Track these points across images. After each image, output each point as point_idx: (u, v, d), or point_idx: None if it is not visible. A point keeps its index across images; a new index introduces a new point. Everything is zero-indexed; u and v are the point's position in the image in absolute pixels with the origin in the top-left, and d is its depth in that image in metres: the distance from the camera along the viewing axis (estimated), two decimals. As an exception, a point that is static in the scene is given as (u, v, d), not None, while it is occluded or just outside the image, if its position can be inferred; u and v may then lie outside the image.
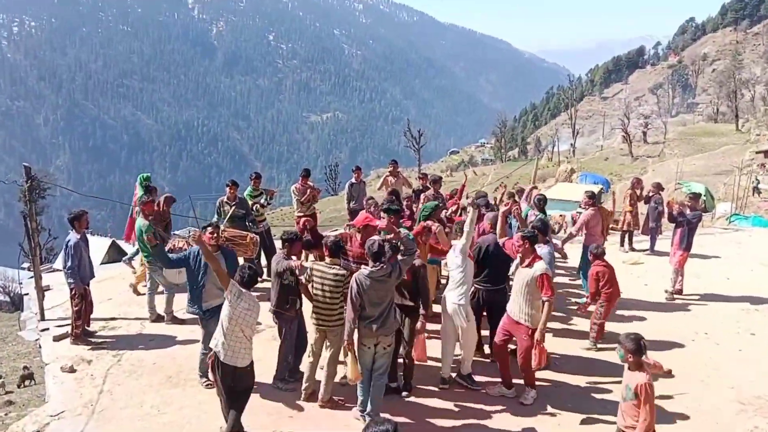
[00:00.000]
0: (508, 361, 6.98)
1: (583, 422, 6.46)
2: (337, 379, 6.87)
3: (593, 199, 10.31)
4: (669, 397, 6.99)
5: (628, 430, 5.04)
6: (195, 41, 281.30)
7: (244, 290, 5.63)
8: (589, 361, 7.96)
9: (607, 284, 8.15)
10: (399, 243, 6.59)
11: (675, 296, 10.29)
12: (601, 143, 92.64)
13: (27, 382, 17.63)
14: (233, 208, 9.85)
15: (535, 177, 21.03)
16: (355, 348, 6.14)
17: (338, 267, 6.41)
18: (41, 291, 9.48)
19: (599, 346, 8.22)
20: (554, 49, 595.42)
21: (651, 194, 13.36)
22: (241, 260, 9.98)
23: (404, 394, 6.96)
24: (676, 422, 6.47)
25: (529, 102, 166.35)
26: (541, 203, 9.86)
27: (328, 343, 6.65)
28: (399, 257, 6.29)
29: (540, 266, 6.51)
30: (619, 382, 5.37)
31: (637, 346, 4.92)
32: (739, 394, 7.07)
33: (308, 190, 11.09)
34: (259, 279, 9.45)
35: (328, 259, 6.47)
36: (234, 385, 5.70)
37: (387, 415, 5.68)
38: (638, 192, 13.68)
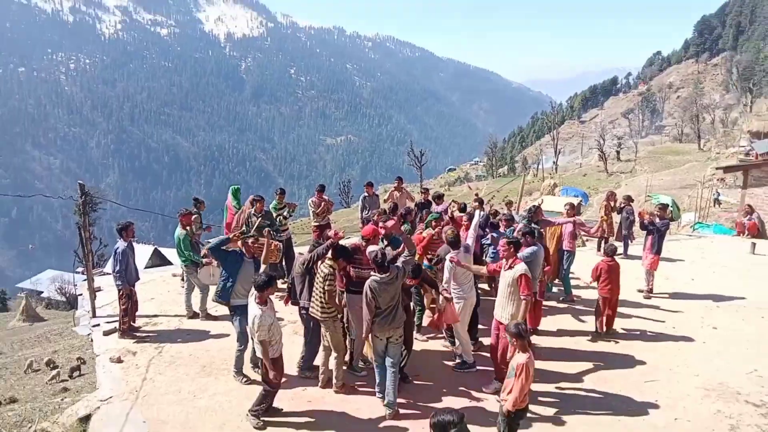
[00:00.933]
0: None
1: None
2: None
3: (575, 210, 10.31)
4: (641, 383, 6.94)
5: (503, 402, 5.17)
6: (226, 75, 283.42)
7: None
8: (571, 352, 7.90)
9: (605, 280, 8.21)
10: (400, 239, 6.64)
11: (650, 295, 10.22)
12: (580, 161, 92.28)
13: (76, 373, 17.66)
14: (260, 219, 9.88)
15: (522, 191, 20.92)
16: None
17: (328, 266, 6.41)
18: (93, 292, 9.49)
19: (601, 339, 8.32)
20: (539, 79, 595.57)
21: (623, 205, 13.35)
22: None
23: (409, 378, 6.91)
24: (649, 408, 6.40)
25: (516, 126, 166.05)
26: (531, 214, 9.74)
27: (328, 335, 6.60)
28: (401, 260, 6.31)
29: (520, 267, 6.39)
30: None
31: (518, 332, 5.01)
32: (704, 381, 6.98)
33: (323, 203, 11.11)
34: (281, 281, 9.52)
35: (328, 261, 6.47)
36: None
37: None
38: (612, 203, 13.64)
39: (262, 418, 6.02)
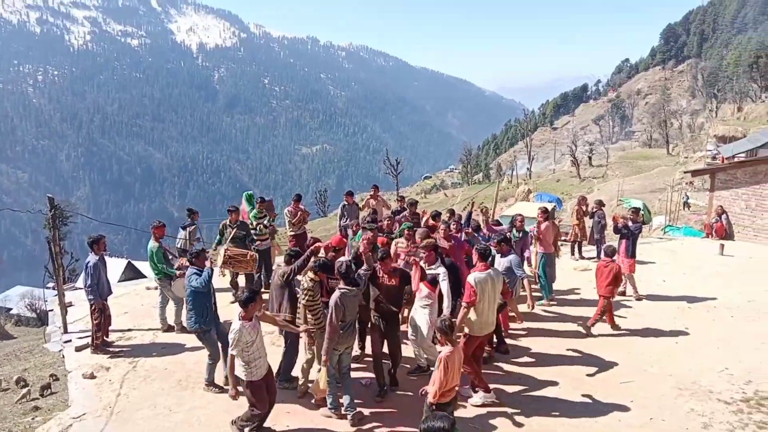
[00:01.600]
0: (477, 369, 6.67)
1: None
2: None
3: (547, 213, 10.44)
4: (617, 384, 7.04)
5: (423, 393, 5.23)
6: (199, 86, 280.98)
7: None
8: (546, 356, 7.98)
9: (605, 279, 8.56)
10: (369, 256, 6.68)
11: (641, 296, 10.37)
12: (553, 167, 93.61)
13: (47, 391, 17.13)
14: (234, 230, 9.81)
15: (497, 197, 21.12)
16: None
17: (309, 280, 6.40)
18: (64, 307, 9.29)
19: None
20: (511, 87, 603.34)
21: (595, 210, 13.56)
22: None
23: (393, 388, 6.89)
24: (625, 407, 6.49)
25: (490, 133, 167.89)
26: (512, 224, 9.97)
27: (315, 348, 6.61)
28: (361, 271, 6.35)
29: (470, 276, 6.43)
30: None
31: (441, 327, 5.16)
32: (677, 381, 7.11)
33: (299, 213, 11.08)
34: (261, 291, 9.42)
35: (310, 274, 6.48)
36: None
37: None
38: (584, 208, 13.84)
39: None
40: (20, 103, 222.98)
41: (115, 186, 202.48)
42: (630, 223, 10.37)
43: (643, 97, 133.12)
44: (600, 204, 13.80)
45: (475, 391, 6.64)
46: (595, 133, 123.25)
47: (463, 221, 9.57)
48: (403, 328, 8.46)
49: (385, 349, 6.89)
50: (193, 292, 6.77)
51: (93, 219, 18.77)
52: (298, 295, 6.61)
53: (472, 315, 6.37)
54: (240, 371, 5.65)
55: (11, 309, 57.31)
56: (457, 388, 5.21)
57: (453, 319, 5.55)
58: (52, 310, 10.45)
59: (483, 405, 6.52)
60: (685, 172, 38.19)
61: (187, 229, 10.51)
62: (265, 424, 6.03)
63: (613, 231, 10.26)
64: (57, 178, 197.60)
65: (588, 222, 13.91)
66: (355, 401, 6.30)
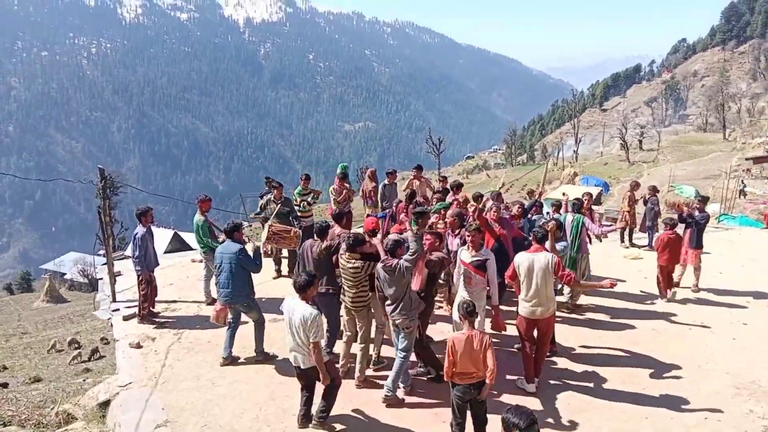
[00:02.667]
0: (529, 354, 6.54)
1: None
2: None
3: (591, 200, 10.16)
4: (670, 381, 6.73)
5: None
6: (245, 61, 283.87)
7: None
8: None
9: (665, 250, 9.12)
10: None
11: (699, 288, 9.90)
12: (601, 150, 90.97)
13: (96, 354, 17.77)
14: (279, 205, 9.80)
15: (544, 180, 20.54)
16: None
17: (354, 260, 6.30)
18: (113, 276, 9.50)
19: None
20: (560, 66, 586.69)
21: (648, 196, 13.01)
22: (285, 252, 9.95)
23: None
24: (678, 405, 6.20)
25: (536, 113, 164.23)
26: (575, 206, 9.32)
27: (360, 324, 6.54)
28: (405, 257, 6.13)
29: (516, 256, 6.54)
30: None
31: (463, 310, 5.17)
32: (734, 379, 6.75)
33: (344, 191, 10.95)
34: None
35: (347, 254, 6.36)
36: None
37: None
38: (636, 193, 13.32)
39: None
40: (75, 75, 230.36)
41: (163, 158, 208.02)
42: (696, 213, 9.88)
43: (700, 79, 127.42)
44: (654, 190, 13.22)
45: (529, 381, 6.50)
46: (647, 115, 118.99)
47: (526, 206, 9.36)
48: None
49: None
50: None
51: (141, 190, 19.26)
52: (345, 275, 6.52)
53: (521, 296, 6.46)
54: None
55: (65, 274, 60.11)
56: (481, 375, 5.06)
57: (473, 302, 5.38)
58: (102, 279, 10.71)
59: (525, 393, 6.37)
60: (746, 159, 36.47)
61: (265, 197, 10.48)
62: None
63: (678, 220, 9.76)
64: (108, 149, 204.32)
65: (639, 209, 13.40)
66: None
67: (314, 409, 5.75)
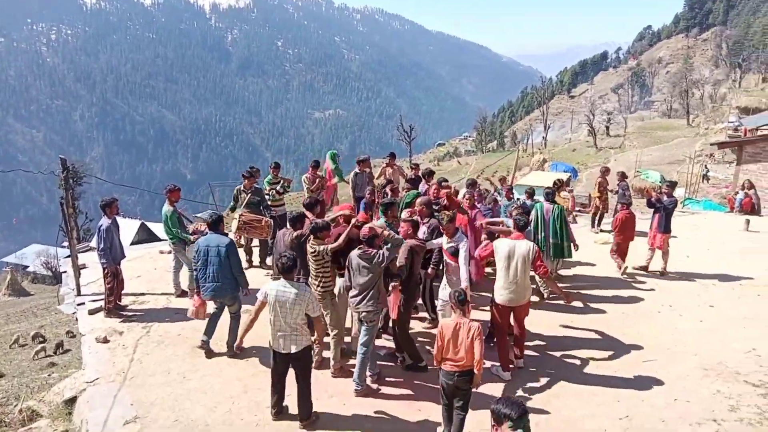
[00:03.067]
0: (505, 343, 6.59)
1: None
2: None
3: (564, 185, 10.25)
4: (639, 363, 6.84)
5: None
6: (212, 47, 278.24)
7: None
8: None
9: (622, 228, 9.73)
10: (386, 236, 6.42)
11: (666, 272, 10.08)
12: (570, 136, 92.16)
13: (60, 349, 17.33)
14: (249, 195, 9.65)
15: (516, 166, 20.76)
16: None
17: (315, 246, 6.31)
18: (77, 269, 9.22)
19: None
20: (529, 53, 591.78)
21: (618, 182, 13.21)
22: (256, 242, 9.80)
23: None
24: (648, 388, 6.30)
25: (506, 100, 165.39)
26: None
27: (326, 312, 6.46)
28: (385, 248, 6.16)
29: (497, 240, 6.68)
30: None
31: (455, 299, 5.19)
32: (702, 360, 6.89)
33: (317, 180, 10.83)
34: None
35: (311, 240, 6.39)
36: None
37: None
38: (606, 179, 13.51)
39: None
40: (34, 62, 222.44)
41: (128, 147, 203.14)
42: (665, 198, 10.04)
43: (665, 66, 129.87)
44: (623, 176, 13.43)
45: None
46: (613, 102, 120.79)
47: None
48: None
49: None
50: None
51: (106, 180, 18.73)
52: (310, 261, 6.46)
53: (498, 282, 6.46)
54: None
55: (28, 266, 58.34)
56: (467, 363, 5.03)
57: (467, 292, 5.47)
58: (65, 272, 10.40)
59: (500, 380, 6.41)
60: (711, 144, 37.29)
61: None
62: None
63: (646, 204, 9.95)
64: (71, 138, 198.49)
65: (611, 195, 13.59)
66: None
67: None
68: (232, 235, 10.21)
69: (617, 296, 9.07)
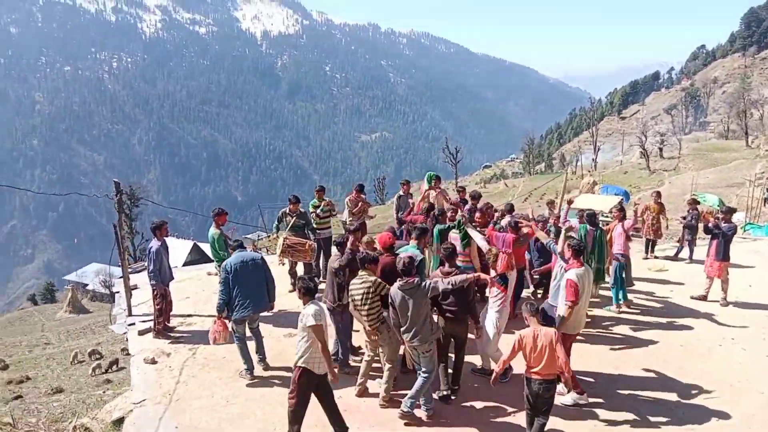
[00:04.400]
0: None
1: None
2: None
3: (623, 211, 9.77)
4: (701, 401, 6.43)
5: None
6: (263, 73, 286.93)
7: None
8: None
9: None
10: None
11: (728, 302, 9.53)
12: (621, 158, 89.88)
13: (114, 366, 17.79)
14: (294, 218, 9.71)
15: (564, 189, 20.24)
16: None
17: (365, 277, 6.16)
18: (129, 290, 9.46)
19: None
20: (576, 74, 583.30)
21: (689, 210, 12.52)
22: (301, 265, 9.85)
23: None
24: (709, 425, 5.91)
25: (554, 122, 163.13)
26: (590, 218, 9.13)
27: (381, 347, 6.35)
28: (434, 279, 6.09)
29: (570, 272, 6.26)
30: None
31: (531, 309, 5.44)
32: (770, 399, 6.43)
33: (360, 203, 10.79)
34: (318, 281, 9.28)
35: (361, 272, 6.26)
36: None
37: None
38: (659, 203, 12.79)
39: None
40: (97, 89, 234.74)
41: (183, 169, 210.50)
42: (723, 224, 9.54)
43: (720, 86, 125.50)
44: (694, 202, 12.83)
45: (568, 391, 6.34)
46: (666, 123, 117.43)
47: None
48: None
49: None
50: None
51: (159, 204, 19.30)
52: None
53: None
54: (314, 361, 5.45)
55: (87, 285, 60.71)
56: (550, 372, 5.27)
57: (537, 304, 5.65)
58: (118, 292, 10.69)
59: (575, 405, 6.26)
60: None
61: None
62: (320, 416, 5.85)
63: (703, 230, 9.45)
64: (130, 161, 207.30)
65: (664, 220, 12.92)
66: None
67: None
68: (276, 258, 10.32)
69: (674, 328, 8.59)
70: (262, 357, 7.19)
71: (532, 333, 5.28)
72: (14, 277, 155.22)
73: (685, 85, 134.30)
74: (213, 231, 8.73)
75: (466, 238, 7.76)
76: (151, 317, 8.64)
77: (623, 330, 8.47)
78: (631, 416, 6.14)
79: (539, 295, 9.41)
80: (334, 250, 7.23)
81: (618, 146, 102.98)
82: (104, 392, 14.40)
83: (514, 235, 7.93)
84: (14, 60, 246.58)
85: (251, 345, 7.16)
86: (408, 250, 7.01)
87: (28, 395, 15.19)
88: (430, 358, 5.91)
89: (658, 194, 13.25)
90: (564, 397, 6.30)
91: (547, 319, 6.34)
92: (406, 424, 5.90)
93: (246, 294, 6.84)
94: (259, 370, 7.12)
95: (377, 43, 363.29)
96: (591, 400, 6.42)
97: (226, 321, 6.93)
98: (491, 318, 6.54)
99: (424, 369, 5.93)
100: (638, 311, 9.26)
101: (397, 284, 5.83)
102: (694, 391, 6.65)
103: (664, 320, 8.87)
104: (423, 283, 5.81)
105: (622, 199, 24.46)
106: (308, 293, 5.47)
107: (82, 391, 15.14)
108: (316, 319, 5.31)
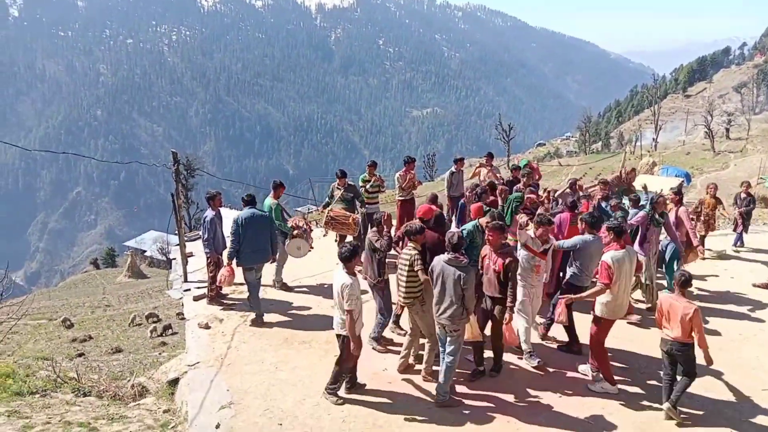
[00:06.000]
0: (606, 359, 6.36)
1: None
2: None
3: (681, 195, 9.24)
4: (758, 392, 6.20)
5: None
6: (316, 46, 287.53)
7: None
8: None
9: None
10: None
11: None
12: (683, 139, 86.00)
13: (168, 330, 18.58)
14: (342, 191, 9.80)
15: (623, 168, 19.50)
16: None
17: (408, 250, 6.24)
18: (185, 257, 9.80)
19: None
20: (640, 50, 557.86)
21: (744, 196, 11.52)
22: (349, 238, 9.97)
23: (493, 374, 6.50)
24: None
25: (613, 99, 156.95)
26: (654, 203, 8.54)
27: (417, 319, 6.37)
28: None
29: (606, 255, 6.22)
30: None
31: (680, 282, 5.61)
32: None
33: (408, 177, 10.73)
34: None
35: (409, 244, 6.30)
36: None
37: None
38: (717, 197, 11.36)
39: (340, 395, 5.99)
40: (156, 61, 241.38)
41: (236, 142, 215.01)
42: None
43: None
44: (748, 186, 11.68)
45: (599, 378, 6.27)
46: (735, 102, 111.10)
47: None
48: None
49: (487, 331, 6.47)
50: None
51: (213, 175, 19.87)
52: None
53: (606, 297, 6.05)
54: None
55: (146, 251, 63.46)
56: (682, 338, 5.55)
57: (689, 274, 5.74)
58: (174, 259, 11.10)
59: (604, 393, 6.16)
60: None
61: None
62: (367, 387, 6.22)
63: None
64: (187, 133, 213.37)
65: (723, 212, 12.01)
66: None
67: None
68: (320, 230, 10.46)
69: (733, 316, 8.27)
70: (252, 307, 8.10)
71: (671, 301, 5.58)
72: (78, 242, 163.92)
73: (758, 62, 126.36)
74: (270, 201, 8.92)
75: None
76: (206, 284, 8.95)
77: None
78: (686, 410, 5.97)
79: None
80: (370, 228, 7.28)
81: (681, 126, 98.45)
82: (160, 354, 15.12)
83: (570, 214, 7.76)
84: (80, 33, 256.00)
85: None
86: (466, 228, 7.00)
87: (91, 353, 16.10)
88: (456, 338, 5.85)
89: (715, 187, 11.61)
90: (595, 385, 6.24)
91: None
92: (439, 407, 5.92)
93: (252, 246, 7.78)
94: (309, 341, 7.28)
95: (432, 17, 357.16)
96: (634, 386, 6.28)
97: (234, 268, 7.84)
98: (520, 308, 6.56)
99: (449, 351, 5.86)
100: (696, 299, 8.94)
101: (444, 256, 5.74)
102: (751, 382, 6.40)
103: (722, 307, 8.53)
104: (471, 266, 5.76)
105: (682, 182, 23.57)
106: (347, 260, 5.72)
107: (139, 352, 15.95)
108: (349, 303, 5.58)
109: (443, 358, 5.92)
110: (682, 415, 5.66)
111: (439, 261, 5.78)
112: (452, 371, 5.92)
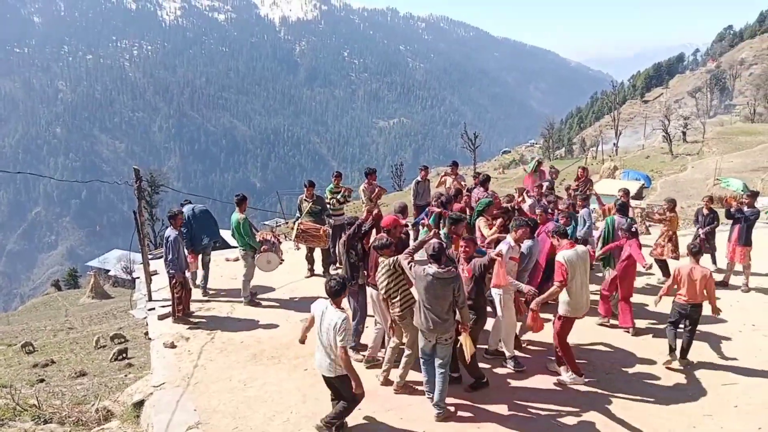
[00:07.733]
0: (571, 353, 6.56)
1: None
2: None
3: (628, 196, 9.49)
4: (718, 386, 6.38)
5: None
6: (281, 59, 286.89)
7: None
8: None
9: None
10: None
11: (750, 288, 9.37)
12: (642, 143, 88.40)
13: (135, 351, 18.03)
14: (310, 204, 9.77)
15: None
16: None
17: (383, 262, 6.12)
18: (149, 276, 9.61)
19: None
20: (598, 57, 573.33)
21: (706, 212, 11.50)
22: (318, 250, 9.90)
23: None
24: (727, 415, 5.86)
25: (574, 106, 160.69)
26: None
27: (404, 332, 6.27)
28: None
29: (559, 255, 6.41)
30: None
31: (692, 251, 6.92)
32: (791, 387, 6.35)
33: (376, 189, 10.76)
34: (336, 266, 9.37)
35: (381, 259, 6.22)
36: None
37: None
38: (675, 213, 11.12)
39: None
40: (118, 76, 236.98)
41: (202, 156, 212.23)
42: (745, 208, 9.33)
43: (747, 68, 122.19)
44: (710, 200, 10.93)
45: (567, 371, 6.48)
46: (690, 106, 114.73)
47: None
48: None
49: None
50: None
51: (179, 191, 19.51)
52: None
53: (564, 296, 6.26)
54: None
55: (109, 270, 61.86)
56: (699, 299, 6.76)
57: (699, 244, 7.36)
58: (138, 278, 10.86)
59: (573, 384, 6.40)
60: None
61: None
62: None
63: (725, 215, 9.24)
64: (150, 148, 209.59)
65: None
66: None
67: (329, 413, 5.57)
68: (291, 243, 10.38)
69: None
70: (203, 285, 9.50)
71: (689, 269, 6.68)
72: (39, 263, 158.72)
73: (711, 68, 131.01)
74: (237, 216, 8.82)
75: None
76: (170, 303, 8.77)
77: (641, 316, 8.39)
78: (645, 400, 6.12)
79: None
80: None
81: (640, 131, 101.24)
82: (126, 376, 14.72)
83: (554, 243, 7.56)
84: (38, 49, 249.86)
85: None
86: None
87: (53, 378, 15.58)
88: (448, 346, 5.78)
89: (673, 202, 10.14)
90: (563, 376, 6.46)
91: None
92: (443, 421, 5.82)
93: (198, 232, 9.14)
94: (277, 358, 7.19)
95: (396, 28, 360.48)
96: (600, 392, 6.40)
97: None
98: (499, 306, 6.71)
99: (441, 360, 5.75)
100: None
101: (432, 269, 5.56)
102: (711, 378, 6.59)
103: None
104: (458, 274, 5.71)
105: (643, 184, 24.07)
106: (336, 295, 5.26)
107: (104, 375, 15.50)
108: (344, 340, 5.08)
109: (439, 369, 5.77)
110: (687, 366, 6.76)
111: (426, 273, 5.57)
112: (447, 382, 5.82)
